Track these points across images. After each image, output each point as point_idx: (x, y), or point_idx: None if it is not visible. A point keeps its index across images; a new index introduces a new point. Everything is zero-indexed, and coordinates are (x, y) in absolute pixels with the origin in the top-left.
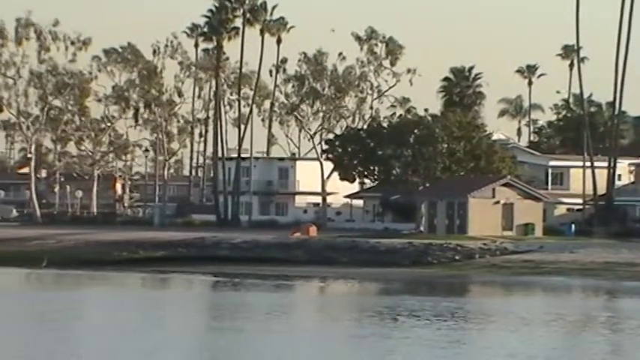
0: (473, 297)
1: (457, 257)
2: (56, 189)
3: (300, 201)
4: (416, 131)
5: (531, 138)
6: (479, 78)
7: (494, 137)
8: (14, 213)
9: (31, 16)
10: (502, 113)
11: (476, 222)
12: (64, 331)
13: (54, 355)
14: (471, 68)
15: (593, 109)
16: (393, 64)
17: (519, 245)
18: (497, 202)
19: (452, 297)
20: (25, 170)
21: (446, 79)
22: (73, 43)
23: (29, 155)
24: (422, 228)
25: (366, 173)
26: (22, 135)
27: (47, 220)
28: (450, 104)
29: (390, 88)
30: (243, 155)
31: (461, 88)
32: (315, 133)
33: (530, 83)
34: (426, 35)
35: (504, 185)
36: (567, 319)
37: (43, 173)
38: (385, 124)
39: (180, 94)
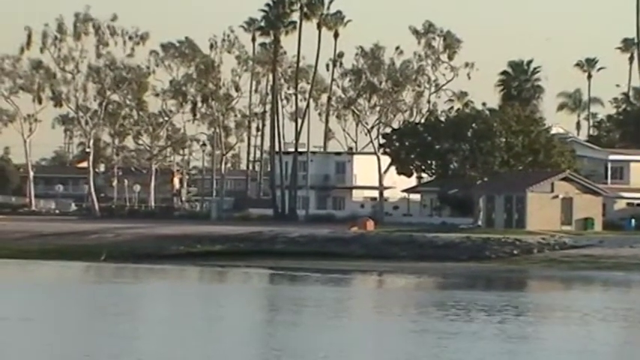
0: (532, 292)
1: (515, 252)
2: (114, 183)
3: (358, 195)
4: (474, 125)
5: (590, 132)
6: (537, 72)
7: (553, 131)
8: (73, 207)
9: (89, 11)
10: (561, 107)
11: (534, 216)
12: (124, 324)
13: (113, 349)
14: (529, 62)
15: None
16: (450, 57)
17: (578, 240)
18: (556, 197)
19: (511, 292)
20: (84, 164)
21: (504, 72)
22: (130, 37)
23: (88, 149)
24: (480, 222)
25: (423, 167)
26: (81, 129)
27: (105, 214)
28: (508, 98)
29: (447, 82)
30: (300, 149)
31: (519, 81)
32: (372, 128)
33: (589, 77)
34: (484, 29)
35: (563, 179)
36: (629, 314)
37: (102, 167)
38: (443, 118)
39: (237, 89)
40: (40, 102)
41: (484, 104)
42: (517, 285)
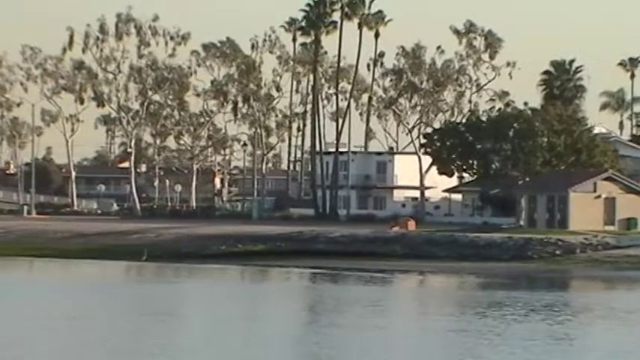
0: (576, 292)
1: (558, 252)
2: (156, 183)
3: (399, 195)
4: (515, 125)
5: (634, 131)
6: (580, 71)
7: (596, 131)
8: (114, 207)
9: (131, 11)
10: (604, 106)
11: (577, 216)
12: (169, 324)
13: (140, 344)
14: (571, 61)
15: None
16: (492, 57)
17: (621, 240)
18: (599, 197)
19: (555, 292)
20: (126, 164)
21: (546, 72)
22: (172, 38)
23: (129, 149)
24: (522, 222)
25: (464, 167)
26: (123, 129)
27: (147, 214)
28: (550, 98)
29: (489, 81)
30: (341, 149)
31: (561, 81)
32: (413, 127)
33: (632, 76)
34: (525, 28)
35: (606, 179)
36: None
37: (143, 167)
38: (484, 118)
39: (278, 89)
40: (82, 102)
41: (526, 104)
42: (560, 285)
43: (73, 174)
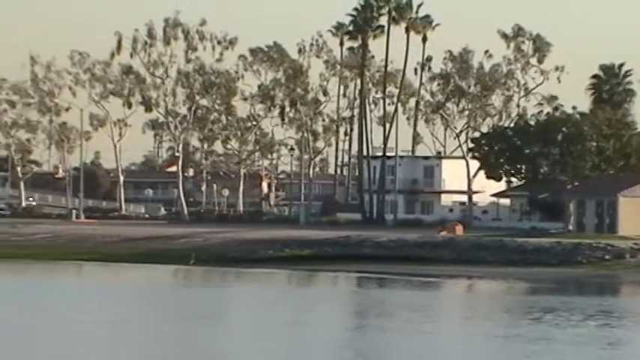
0: (626, 297)
1: (607, 257)
2: (203, 187)
3: (446, 200)
4: (564, 129)
5: None
6: (629, 75)
7: None
8: (162, 211)
9: (178, 16)
10: None
11: (626, 221)
12: (219, 328)
13: (207, 353)
14: (621, 65)
15: None
16: (540, 61)
17: None
18: None
19: (604, 297)
20: (173, 169)
21: (595, 76)
22: (219, 42)
23: (177, 154)
24: (570, 227)
25: (512, 172)
26: (170, 134)
27: (194, 219)
28: (599, 102)
29: (537, 85)
30: (388, 154)
31: (610, 85)
32: (460, 132)
33: None
34: (574, 32)
35: None
36: None
37: (191, 172)
38: (532, 122)
39: (325, 93)
40: (129, 107)
41: (574, 108)
42: (610, 290)
43: (121, 178)
